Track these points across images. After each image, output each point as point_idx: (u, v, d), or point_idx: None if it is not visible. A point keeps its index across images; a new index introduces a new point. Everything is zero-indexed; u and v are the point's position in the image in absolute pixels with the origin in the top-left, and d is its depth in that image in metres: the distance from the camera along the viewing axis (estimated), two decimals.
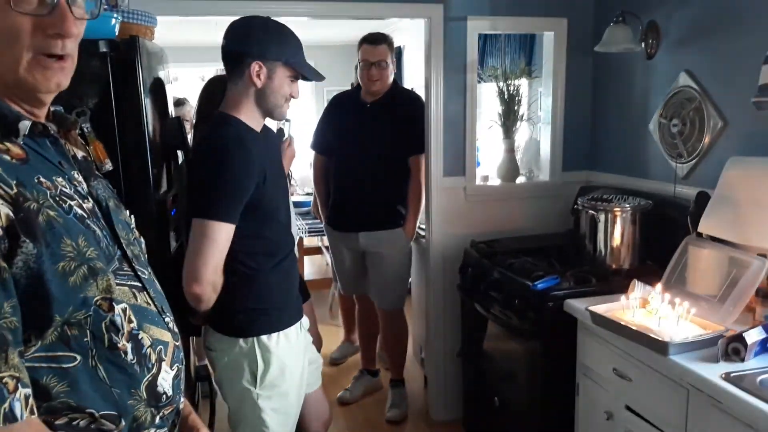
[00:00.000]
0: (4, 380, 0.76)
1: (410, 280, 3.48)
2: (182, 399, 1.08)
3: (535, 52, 3.47)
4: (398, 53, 5.70)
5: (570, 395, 2.31)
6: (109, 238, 0.97)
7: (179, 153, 2.06)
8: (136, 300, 0.97)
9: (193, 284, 1.59)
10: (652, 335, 1.81)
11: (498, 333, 2.63)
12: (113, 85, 1.57)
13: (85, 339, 0.88)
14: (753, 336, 1.70)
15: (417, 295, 3.61)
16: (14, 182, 0.82)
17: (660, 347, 1.77)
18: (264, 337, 1.76)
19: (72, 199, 0.91)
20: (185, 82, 6.83)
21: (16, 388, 0.78)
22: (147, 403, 0.96)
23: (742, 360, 1.67)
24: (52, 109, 1.00)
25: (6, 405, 0.76)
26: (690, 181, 2.49)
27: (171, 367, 1.01)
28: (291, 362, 1.82)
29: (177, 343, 1.05)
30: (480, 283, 2.65)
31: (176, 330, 1.07)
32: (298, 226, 4.11)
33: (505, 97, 3.17)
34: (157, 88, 1.87)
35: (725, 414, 1.58)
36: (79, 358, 0.87)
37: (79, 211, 0.91)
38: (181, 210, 1.92)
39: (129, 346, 0.93)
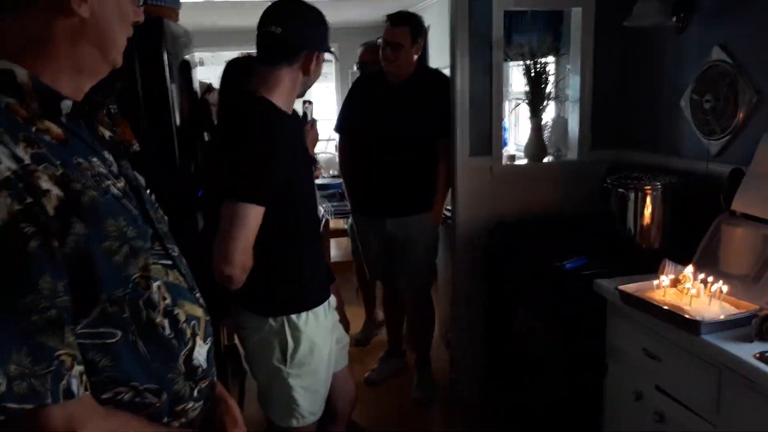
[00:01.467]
0: (61, 358, 0.79)
1: (435, 264, 3.46)
2: (215, 372, 1.10)
3: (562, 29, 3.39)
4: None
5: (598, 376, 2.29)
6: (142, 217, 0.98)
7: (205, 135, 2.07)
8: (169, 277, 0.98)
9: (223, 265, 1.60)
10: (683, 315, 1.78)
11: (525, 314, 2.61)
12: (139, 67, 1.58)
13: (125, 315, 0.90)
14: None
15: (443, 277, 3.60)
16: (59, 162, 0.83)
17: (692, 327, 1.74)
18: (293, 316, 1.78)
19: (108, 179, 0.92)
20: (213, 67, 6.88)
21: (72, 366, 0.81)
22: (185, 377, 0.98)
23: None
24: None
25: (64, 382, 0.79)
26: (723, 158, 2.43)
27: (205, 341, 1.03)
28: (320, 341, 1.84)
29: (208, 318, 1.07)
30: (507, 265, 2.64)
31: (205, 305, 1.09)
32: (324, 208, 4.12)
33: (532, 75, 3.11)
34: (183, 71, 1.87)
35: (758, 394, 1.55)
36: (119, 333, 0.89)
37: (115, 191, 0.93)
38: (208, 191, 1.93)
39: (166, 321, 0.95)
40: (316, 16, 1.75)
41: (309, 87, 1.81)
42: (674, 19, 2.58)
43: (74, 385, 0.80)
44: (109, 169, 0.95)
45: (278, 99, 1.72)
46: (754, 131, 2.25)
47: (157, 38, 1.63)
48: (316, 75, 1.77)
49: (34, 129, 0.83)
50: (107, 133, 1.05)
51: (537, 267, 2.43)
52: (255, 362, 1.88)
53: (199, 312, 1.04)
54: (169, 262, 1.01)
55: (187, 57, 1.96)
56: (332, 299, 1.94)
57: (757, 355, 1.58)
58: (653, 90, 2.84)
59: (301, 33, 1.71)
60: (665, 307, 1.85)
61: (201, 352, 1.02)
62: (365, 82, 3.29)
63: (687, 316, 1.77)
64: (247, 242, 1.61)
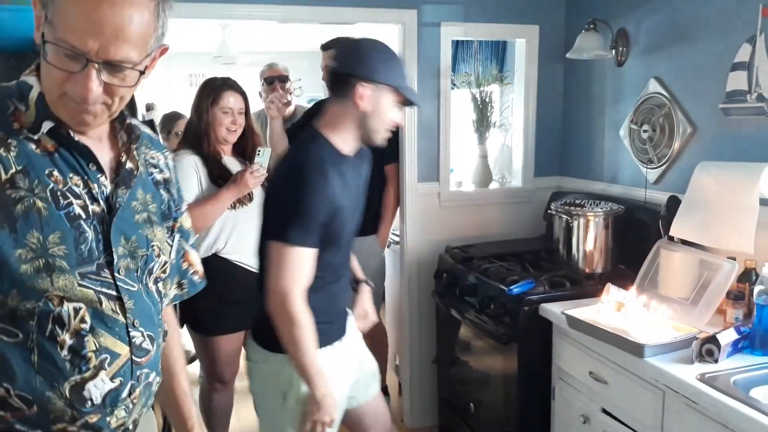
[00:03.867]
0: None
1: (384, 285, 3.46)
2: (122, 415, 1.06)
3: (507, 58, 3.49)
4: None
5: (546, 400, 2.31)
6: (101, 243, 1.00)
7: None
8: (100, 306, 0.99)
9: (286, 304, 1.58)
10: (628, 337, 1.83)
11: (473, 338, 2.63)
12: None
13: (31, 323, 0.94)
14: (726, 337, 1.72)
15: (391, 302, 3.59)
16: (13, 169, 0.93)
17: (636, 349, 1.78)
18: None
19: (77, 198, 0.98)
20: (152, 87, 6.74)
21: None
22: (67, 403, 0.98)
23: (716, 361, 1.70)
24: (130, 122, 1.09)
25: None
26: (660, 186, 2.53)
27: (112, 379, 1.02)
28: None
29: (139, 360, 1.06)
30: (455, 289, 2.65)
31: (147, 347, 1.07)
32: None
33: (478, 103, 3.18)
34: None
35: (700, 414, 1.60)
36: (20, 336, 0.95)
37: (77, 210, 0.97)
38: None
39: (69, 342, 0.97)
40: (372, 48, 1.68)
41: (375, 128, 1.68)
42: (613, 52, 2.70)
43: None
44: (89, 191, 0.99)
45: (338, 137, 1.68)
46: (688, 160, 2.36)
47: None
48: (376, 111, 1.65)
49: (22, 137, 0.95)
50: (129, 164, 1.07)
51: (484, 291, 2.45)
52: (258, 396, 1.81)
53: (122, 349, 1.02)
54: (112, 293, 1.01)
55: None
56: (346, 337, 1.84)
57: (699, 376, 1.63)
58: (594, 119, 2.95)
59: (349, 64, 1.65)
60: (610, 331, 1.90)
61: (99, 387, 1.00)
62: (315, 109, 3.30)
63: (631, 338, 1.82)
64: (304, 282, 1.61)
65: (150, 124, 1.90)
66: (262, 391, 1.80)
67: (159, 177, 1.16)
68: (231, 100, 2.33)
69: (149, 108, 3.97)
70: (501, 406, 2.46)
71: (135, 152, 1.09)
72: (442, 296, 2.79)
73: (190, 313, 2.39)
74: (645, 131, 2.57)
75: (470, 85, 3.28)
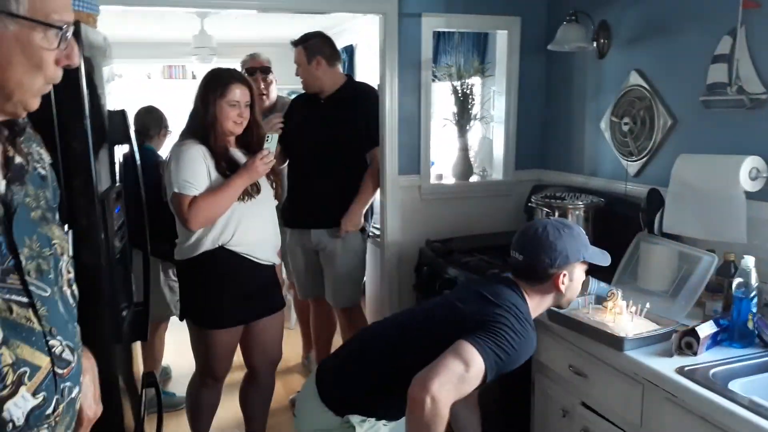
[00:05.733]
0: None
1: (364, 279, 3.43)
2: None
3: (488, 50, 3.48)
4: (350, 52, 5.65)
5: (525, 393, 2.30)
6: (3, 246, 0.90)
7: (118, 148, 1.96)
8: (10, 314, 0.89)
9: (442, 407, 1.53)
10: (608, 331, 1.82)
11: None
12: None
13: None
14: (705, 330, 1.73)
15: (372, 295, 3.57)
16: None
17: (616, 343, 1.78)
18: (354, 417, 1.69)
19: None
20: (130, 79, 6.65)
21: None
22: None
23: (695, 354, 1.70)
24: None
25: None
26: (640, 179, 2.53)
27: (35, 394, 0.92)
28: None
29: (61, 371, 0.96)
30: (436, 282, 2.63)
31: (68, 357, 0.98)
32: None
33: (459, 95, 3.16)
34: (100, 80, 1.77)
35: (679, 407, 1.59)
36: None
37: None
38: (129, 207, 1.83)
39: None
40: (563, 227, 1.80)
41: (570, 298, 1.83)
42: (595, 44, 2.69)
43: None
44: None
45: (534, 309, 1.79)
46: (669, 153, 2.35)
47: None
48: (571, 286, 1.80)
49: None
50: (18, 158, 0.98)
51: None
52: None
53: (41, 361, 0.93)
54: (24, 299, 0.91)
55: (104, 65, 1.85)
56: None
57: (678, 369, 1.63)
58: (575, 112, 2.94)
59: (545, 257, 1.75)
60: (590, 324, 1.89)
61: (20, 405, 0.90)
62: (298, 100, 3.29)
63: (611, 332, 1.82)
64: (459, 394, 1.58)
65: (122, 114, 1.85)
66: None
67: (44, 172, 1.07)
68: (238, 92, 2.29)
69: (149, 111, 3.90)
70: (480, 400, 2.44)
71: (22, 145, 1.00)
72: (423, 289, 2.77)
73: (192, 305, 2.38)
74: (626, 124, 2.56)
75: (451, 77, 3.26)
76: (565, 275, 1.74)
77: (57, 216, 1.08)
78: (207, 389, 2.54)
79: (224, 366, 2.50)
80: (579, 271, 1.79)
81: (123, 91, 4.01)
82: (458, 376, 1.54)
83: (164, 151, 3.37)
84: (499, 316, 1.65)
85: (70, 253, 1.08)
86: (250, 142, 2.40)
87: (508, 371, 1.67)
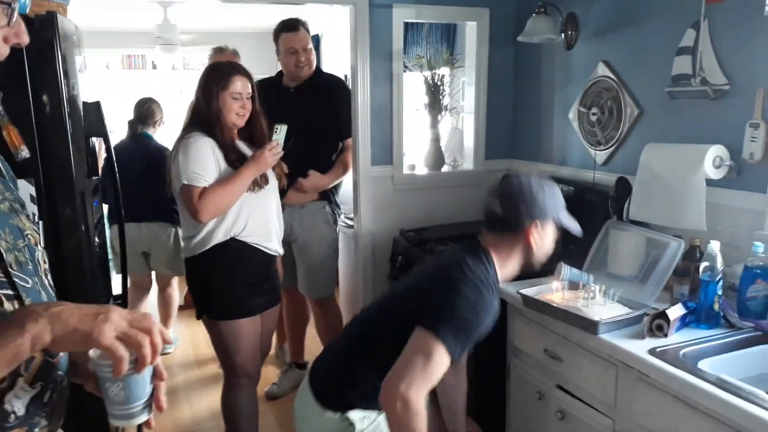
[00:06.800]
0: None
1: (338, 270, 3.44)
2: (43, 423, 0.97)
3: (457, 41, 3.51)
4: (316, 42, 5.61)
5: (501, 377, 2.36)
6: None
7: (96, 140, 1.93)
8: (1, 306, 0.89)
9: (413, 401, 1.51)
10: (582, 315, 1.88)
11: None
12: (28, 66, 1.44)
13: None
14: (674, 312, 1.80)
15: (346, 286, 3.58)
16: None
17: (590, 326, 1.84)
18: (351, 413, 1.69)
19: None
20: (88, 69, 6.47)
21: None
22: None
23: (665, 335, 1.77)
24: None
25: None
26: (608, 167, 2.60)
27: (32, 384, 0.92)
28: None
29: (52, 360, 0.97)
30: (410, 270, 2.66)
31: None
32: None
33: (431, 86, 3.19)
34: (74, 70, 1.73)
35: (652, 387, 1.66)
36: None
37: None
38: (108, 199, 1.81)
39: None
40: (539, 185, 1.78)
41: (540, 259, 1.80)
42: (563, 35, 2.75)
43: None
44: None
45: (502, 267, 1.77)
46: (636, 142, 2.43)
47: (50, 34, 1.49)
48: (542, 246, 1.78)
49: None
50: None
51: None
52: None
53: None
54: (9, 292, 0.91)
55: (77, 55, 1.82)
56: None
57: (650, 350, 1.70)
58: (544, 102, 3.00)
59: (521, 208, 1.74)
60: (565, 308, 1.94)
61: (20, 396, 0.91)
62: (262, 88, 3.23)
63: (585, 316, 1.87)
64: (429, 386, 1.57)
65: (96, 106, 1.82)
66: None
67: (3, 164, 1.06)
68: (239, 84, 2.27)
69: (148, 102, 3.93)
70: None
71: None
72: (397, 279, 2.80)
73: (212, 300, 2.34)
74: (593, 114, 2.63)
75: (422, 68, 3.28)
76: (537, 228, 1.72)
77: (25, 207, 1.06)
78: (243, 391, 2.45)
79: (256, 359, 2.46)
80: (551, 231, 1.78)
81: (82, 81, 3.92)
82: (422, 369, 1.53)
83: (158, 139, 3.56)
84: (451, 290, 1.63)
85: (42, 243, 1.06)
86: (254, 133, 2.39)
87: (480, 339, 1.66)
